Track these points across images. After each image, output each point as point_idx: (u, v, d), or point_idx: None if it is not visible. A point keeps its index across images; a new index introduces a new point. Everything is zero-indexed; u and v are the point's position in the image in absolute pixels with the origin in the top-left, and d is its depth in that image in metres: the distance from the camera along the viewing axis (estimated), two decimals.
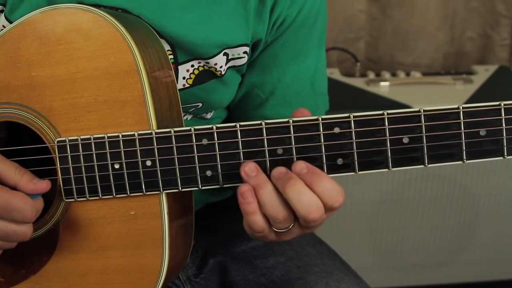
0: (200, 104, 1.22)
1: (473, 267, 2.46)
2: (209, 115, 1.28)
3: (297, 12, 1.20)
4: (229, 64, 1.19)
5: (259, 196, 0.94)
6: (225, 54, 1.17)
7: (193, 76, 1.17)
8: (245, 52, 1.18)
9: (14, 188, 1.00)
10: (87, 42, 1.00)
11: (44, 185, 1.01)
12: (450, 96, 2.35)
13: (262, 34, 1.18)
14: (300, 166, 0.93)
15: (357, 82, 2.44)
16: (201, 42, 1.13)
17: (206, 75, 1.18)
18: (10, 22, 1.10)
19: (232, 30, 1.15)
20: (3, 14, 1.12)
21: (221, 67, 1.17)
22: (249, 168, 0.94)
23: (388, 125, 0.91)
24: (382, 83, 2.41)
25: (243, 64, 1.20)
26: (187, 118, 1.25)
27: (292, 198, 0.92)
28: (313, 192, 0.93)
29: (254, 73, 1.26)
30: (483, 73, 2.52)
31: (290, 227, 0.97)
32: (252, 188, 0.95)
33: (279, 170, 0.94)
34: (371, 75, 2.48)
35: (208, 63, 1.16)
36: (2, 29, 1.06)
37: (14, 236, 1.01)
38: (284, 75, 1.26)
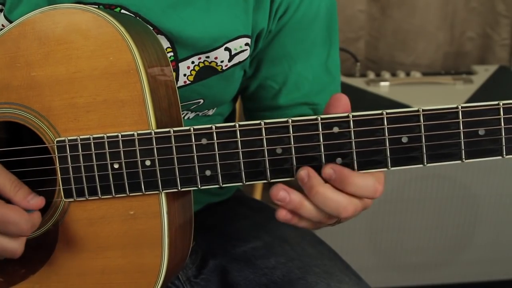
0: (202, 101, 1.22)
1: (473, 267, 2.46)
2: (211, 112, 1.29)
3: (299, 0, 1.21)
4: (234, 61, 1.19)
5: (299, 214, 0.95)
6: (227, 49, 1.17)
7: (193, 72, 1.17)
8: (246, 44, 1.18)
9: (9, 202, 1.00)
10: (86, 42, 1.00)
11: (38, 202, 1.01)
12: (450, 96, 2.35)
13: (263, 23, 1.19)
14: (328, 173, 0.93)
15: (357, 82, 2.44)
16: (200, 35, 1.14)
17: (207, 71, 1.18)
18: (10, 21, 1.10)
19: (231, 21, 1.16)
20: (2, 13, 1.13)
21: (222, 62, 1.18)
22: (281, 197, 0.93)
23: (387, 125, 0.90)
24: (382, 83, 2.41)
25: (246, 58, 1.20)
26: (188, 117, 1.25)
27: (319, 205, 0.93)
28: (346, 194, 0.93)
29: (265, 66, 1.26)
30: (483, 73, 2.52)
31: (340, 219, 0.98)
32: (289, 211, 0.95)
33: (302, 175, 0.93)
34: (371, 75, 2.49)
35: (208, 57, 1.16)
36: (1, 29, 1.07)
37: (2, 252, 1.01)
38: (295, 64, 1.26)
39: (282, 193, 0.93)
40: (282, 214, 0.95)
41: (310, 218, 0.95)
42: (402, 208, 2.33)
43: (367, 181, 0.93)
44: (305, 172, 0.93)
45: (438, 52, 2.77)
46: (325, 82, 1.30)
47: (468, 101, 2.27)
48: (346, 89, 2.35)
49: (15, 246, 1.00)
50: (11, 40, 1.04)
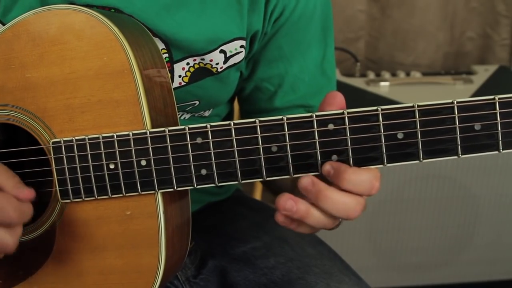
0: (197, 102, 1.22)
1: (473, 267, 2.46)
2: (207, 113, 1.28)
3: (296, 1, 1.20)
4: (229, 63, 1.19)
5: (306, 223, 0.94)
6: (222, 51, 1.17)
7: (188, 74, 1.17)
8: (242, 46, 1.18)
9: None
10: (80, 42, 1.00)
11: (25, 191, 0.98)
12: (450, 96, 2.34)
13: (258, 25, 1.18)
14: (327, 169, 0.93)
15: (357, 82, 2.45)
16: (195, 38, 1.13)
17: (202, 73, 1.18)
18: (3, 25, 1.10)
19: (226, 24, 1.15)
20: None
21: (217, 64, 1.17)
22: (289, 207, 0.92)
23: (382, 121, 0.90)
24: (382, 83, 2.41)
25: (241, 60, 1.20)
26: (184, 118, 1.25)
27: (328, 210, 0.92)
28: (343, 190, 0.92)
29: (261, 67, 1.26)
30: (483, 73, 2.52)
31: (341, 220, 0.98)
32: (294, 221, 0.95)
33: (306, 183, 0.93)
34: (371, 75, 2.49)
35: (203, 59, 1.16)
36: None
37: None
38: (290, 66, 1.26)
39: (290, 203, 0.92)
40: (281, 219, 0.94)
41: (314, 225, 0.95)
42: (402, 208, 2.33)
43: (362, 176, 0.92)
44: (308, 180, 0.92)
45: (438, 52, 2.77)
46: (321, 84, 1.30)
47: None
48: (346, 89, 2.36)
49: (7, 238, 0.97)
50: (5, 42, 1.04)
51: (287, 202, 0.92)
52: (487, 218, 2.39)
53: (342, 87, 2.39)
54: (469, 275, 2.47)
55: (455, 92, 2.39)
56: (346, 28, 2.70)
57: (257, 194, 1.93)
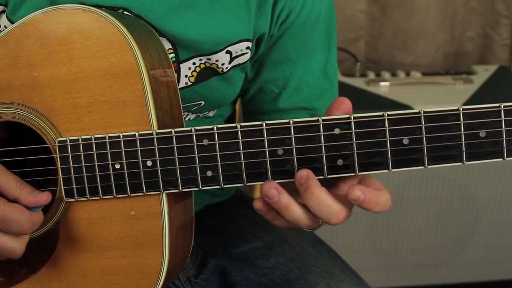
0: (203, 102, 1.22)
1: (473, 267, 2.47)
2: (211, 113, 1.29)
3: (301, 5, 1.21)
4: (234, 63, 1.19)
5: (283, 216, 0.95)
6: (228, 52, 1.17)
7: (195, 73, 1.17)
8: (247, 48, 1.19)
9: (14, 201, 1.00)
10: (88, 42, 1.00)
11: (44, 197, 1.01)
12: (450, 96, 2.36)
13: (265, 28, 1.19)
14: (357, 195, 0.92)
15: (357, 82, 2.45)
16: (202, 39, 1.14)
17: (208, 73, 1.18)
18: (12, 23, 1.10)
19: (233, 25, 1.16)
20: (4, 15, 1.13)
21: (223, 64, 1.18)
22: (271, 194, 0.93)
23: (388, 126, 0.91)
24: (382, 83, 2.41)
25: (246, 61, 1.21)
26: (189, 118, 1.25)
27: (311, 206, 0.93)
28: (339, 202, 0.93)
29: (266, 69, 1.27)
30: (483, 73, 2.52)
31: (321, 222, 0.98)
32: (271, 211, 0.96)
33: (301, 175, 0.94)
34: (371, 75, 2.49)
35: (209, 59, 1.17)
36: (3, 30, 1.07)
37: (2, 250, 1.00)
38: (295, 69, 1.27)
39: (273, 191, 0.93)
40: (259, 205, 0.96)
41: (290, 220, 0.95)
42: (402, 208, 2.33)
43: (385, 196, 0.94)
44: (304, 173, 0.93)
45: (438, 52, 2.77)
46: (324, 87, 1.31)
47: (468, 101, 2.27)
48: (346, 89, 2.36)
49: (15, 246, 1.00)
50: (13, 40, 1.04)
51: (271, 190, 0.93)
52: (487, 218, 2.39)
53: (342, 87, 2.38)
54: (469, 275, 2.48)
55: (455, 92, 2.39)
56: (346, 28, 2.70)
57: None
